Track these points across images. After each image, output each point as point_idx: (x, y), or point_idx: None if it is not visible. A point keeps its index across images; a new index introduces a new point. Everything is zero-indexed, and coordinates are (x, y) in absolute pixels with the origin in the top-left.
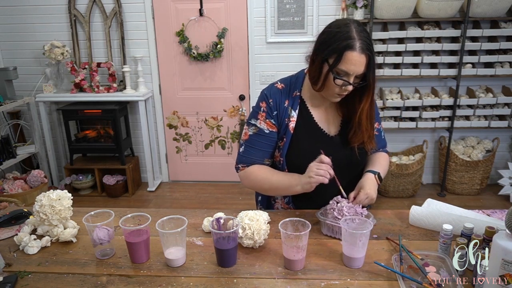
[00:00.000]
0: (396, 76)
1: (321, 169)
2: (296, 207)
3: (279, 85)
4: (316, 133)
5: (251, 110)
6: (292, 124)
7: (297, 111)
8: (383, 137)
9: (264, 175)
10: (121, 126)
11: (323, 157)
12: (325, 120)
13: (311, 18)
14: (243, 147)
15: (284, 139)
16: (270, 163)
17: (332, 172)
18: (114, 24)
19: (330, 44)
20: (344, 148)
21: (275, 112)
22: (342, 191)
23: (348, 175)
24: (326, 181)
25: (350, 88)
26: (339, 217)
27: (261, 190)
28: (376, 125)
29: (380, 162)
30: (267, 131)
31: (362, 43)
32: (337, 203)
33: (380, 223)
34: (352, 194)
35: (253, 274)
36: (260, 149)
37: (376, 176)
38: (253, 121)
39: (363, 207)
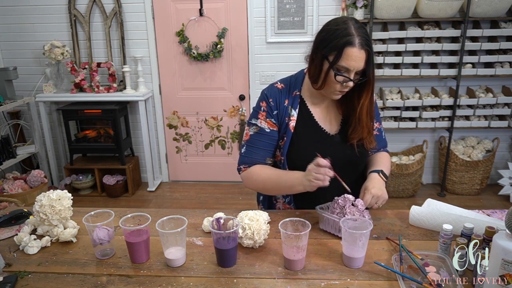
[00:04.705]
0: (396, 76)
1: (319, 173)
2: (297, 207)
3: (279, 85)
4: (316, 132)
5: (251, 110)
6: (292, 123)
7: (297, 110)
8: (383, 137)
9: (265, 175)
10: (121, 126)
11: (320, 160)
12: (325, 119)
13: (311, 18)
14: (244, 147)
15: (285, 138)
16: (272, 162)
17: (331, 173)
18: (114, 24)
19: (330, 42)
20: (345, 146)
21: (275, 112)
22: (346, 187)
23: (349, 174)
24: (326, 183)
25: (351, 84)
26: (337, 210)
27: (264, 190)
28: (377, 125)
29: (382, 161)
30: (268, 130)
31: (361, 39)
32: (346, 200)
33: (380, 223)
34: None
35: (253, 274)
36: (262, 148)
37: (380, 174)
38: (253, 121)
39: (367, 208)
